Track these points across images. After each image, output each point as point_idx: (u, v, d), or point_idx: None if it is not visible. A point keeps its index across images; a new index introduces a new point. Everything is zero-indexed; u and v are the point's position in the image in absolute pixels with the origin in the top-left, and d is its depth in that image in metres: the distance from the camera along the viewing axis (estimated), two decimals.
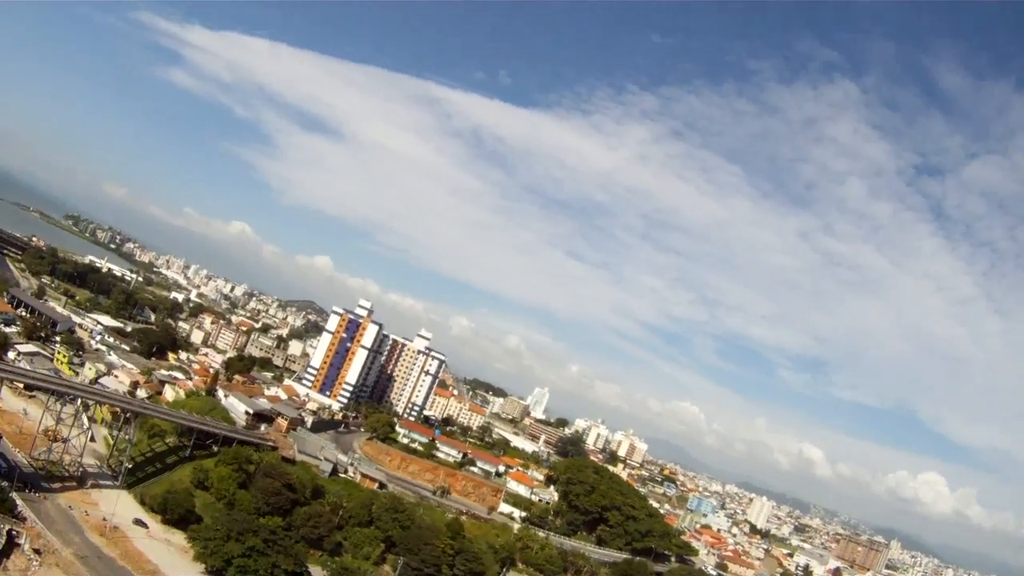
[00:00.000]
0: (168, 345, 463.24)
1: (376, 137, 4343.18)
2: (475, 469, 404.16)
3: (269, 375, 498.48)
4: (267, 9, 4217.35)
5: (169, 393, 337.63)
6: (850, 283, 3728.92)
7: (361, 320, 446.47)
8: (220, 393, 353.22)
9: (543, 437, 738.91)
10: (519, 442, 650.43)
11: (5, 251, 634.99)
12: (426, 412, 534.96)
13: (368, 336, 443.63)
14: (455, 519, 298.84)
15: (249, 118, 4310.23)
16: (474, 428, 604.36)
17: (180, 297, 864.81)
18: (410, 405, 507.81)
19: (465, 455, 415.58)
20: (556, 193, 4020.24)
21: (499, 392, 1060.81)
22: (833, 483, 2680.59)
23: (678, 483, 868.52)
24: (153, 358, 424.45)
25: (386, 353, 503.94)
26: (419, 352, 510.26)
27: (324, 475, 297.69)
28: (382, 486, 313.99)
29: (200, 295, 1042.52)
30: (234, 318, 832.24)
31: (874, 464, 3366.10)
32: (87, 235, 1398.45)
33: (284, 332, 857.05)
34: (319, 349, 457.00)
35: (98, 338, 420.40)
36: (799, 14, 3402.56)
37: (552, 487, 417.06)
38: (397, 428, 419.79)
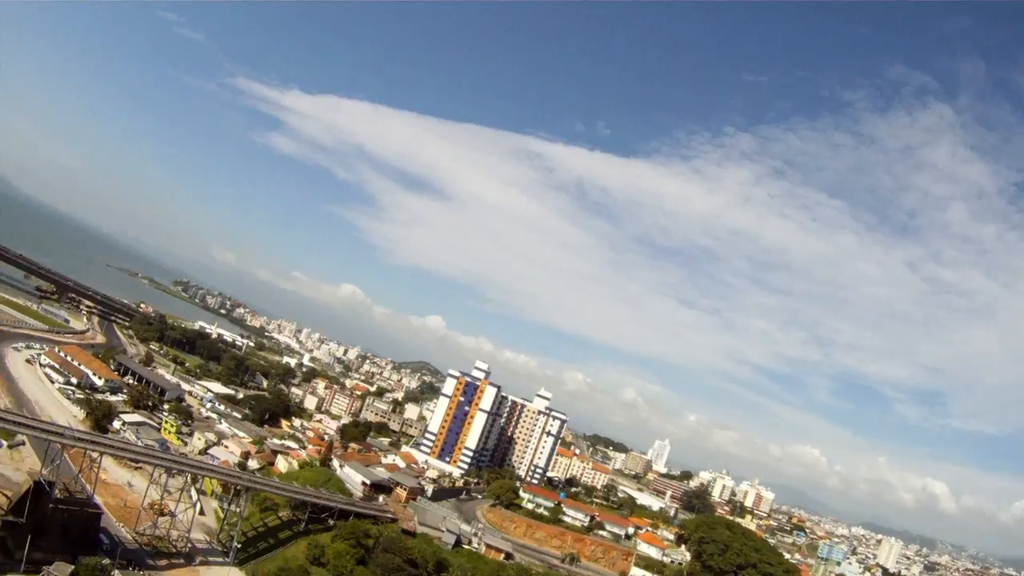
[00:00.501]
0: (281, 412, 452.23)
1: (479, 193, 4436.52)
2: (603, 532, 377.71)
3: (386, 440, 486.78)
4: (365, 72, 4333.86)
5: (282, 464, 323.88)
6: (960, 310, 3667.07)
7: (479, 383, 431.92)
8: (335, 463, 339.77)
9: (668, 492, 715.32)
10: (644, 499, 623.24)
11: (113, 318, 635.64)
12: (549, 473, 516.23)
13: (487, 399, 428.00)
14: None
15: (351, 180, 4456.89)
16: (598, 487, 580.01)
17: (292, 362, 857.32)
18: (532, 468, 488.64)
19: (592, 518, 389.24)
20: (663, 241, 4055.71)
21: (619, 447, 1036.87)
22: (958, 517, 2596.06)
23: (807, 531, 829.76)
24: (265, 426, 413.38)
25: (505, 415, 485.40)
26: (539, 412, 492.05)
27: (447, 547, 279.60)
28: (508, 556, 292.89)
29: (313, 359, 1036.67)
30: (348, 382, 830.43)
31: (999, 494, 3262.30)
32: (196, 301, 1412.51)
33: (400, 395, 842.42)
34: (436, 414, 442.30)
35: (208, 405, 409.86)
36: (887, 40, 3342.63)
37: (683, 547, 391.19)
38: (520, 493, 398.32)
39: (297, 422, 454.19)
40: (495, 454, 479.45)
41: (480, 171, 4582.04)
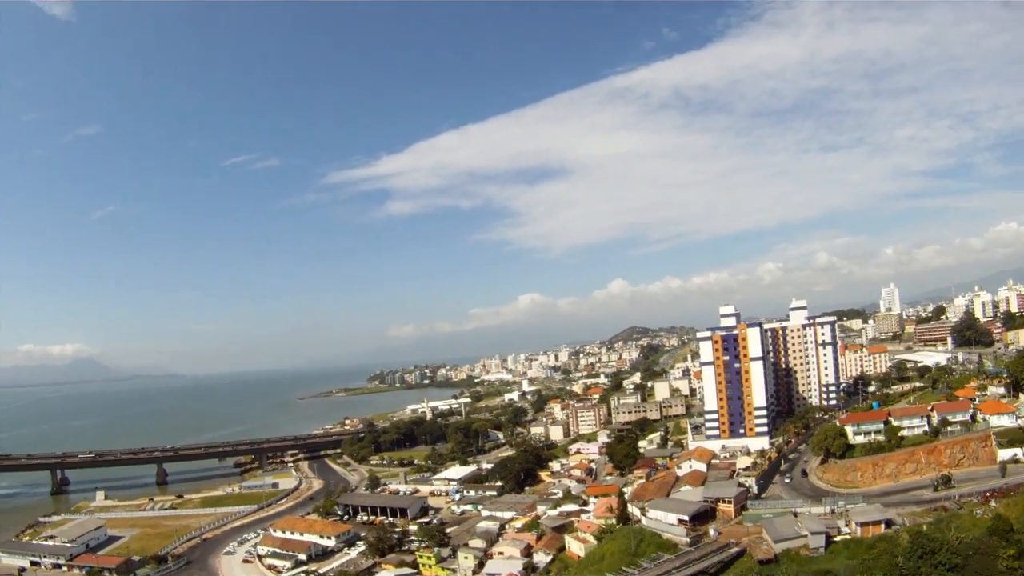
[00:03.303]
0: (534, 462, 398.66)
1: (595, 153, 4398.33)
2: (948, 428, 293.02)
3: (655, 439, 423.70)
4: (428, 110, 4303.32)
5: (574, 545, 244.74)
6: None
7: (735, 331, 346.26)
8: (634, 511, 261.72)
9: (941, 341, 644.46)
10: (927, 357, 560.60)
11: (322, 454, 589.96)
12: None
13: (753, 344, 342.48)
14: None
15: (478, 204, 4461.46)
16: (887, 372, 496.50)
17: (515, 395, 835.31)
18: (825, 391, 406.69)
19: (928, 419, 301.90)
20: (779, 103, 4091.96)
21: (853, 314, 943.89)
22: None
23: None
24: (525, 488, 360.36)
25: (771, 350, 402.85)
26: (803, 327, 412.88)
27: (819, 552, 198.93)
28: (888, 524, 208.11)
29: (531, 380, 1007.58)
30: (576, 387, 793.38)
31: None
32: (398, 385, 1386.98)
33: (626, 371, 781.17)
34: (707, 387, 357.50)
35: (457, 497, 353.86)
36: None
37: None
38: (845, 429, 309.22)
39: (556, 465, 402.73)
40: (779, 399, 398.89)
41: (584, 133, 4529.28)
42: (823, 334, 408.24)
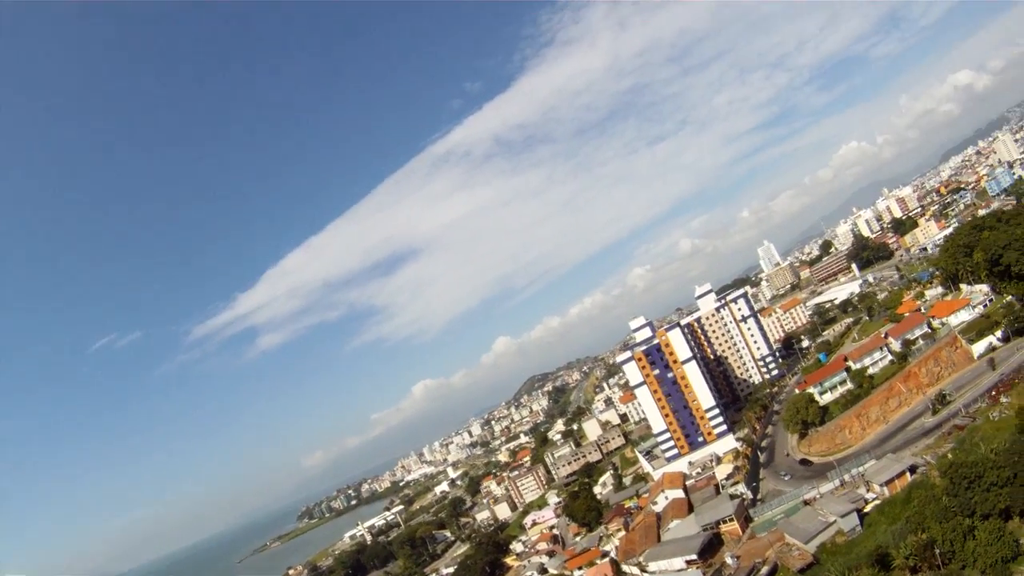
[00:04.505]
0: (493, 551, 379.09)
1: (438, 222, 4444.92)
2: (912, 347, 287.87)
3: (607, 480, 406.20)
4: (270, 231, 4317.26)
5: None
6: None
7: (656, 340, 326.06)
8: (630, 569, 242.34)
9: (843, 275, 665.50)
10: (841, 291, 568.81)
11: None
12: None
13: (680, 346, 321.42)
14: None
15: (343, 313, 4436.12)
16: (811, 324, 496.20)
17: (444, 486, 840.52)
18: (761, 365, 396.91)
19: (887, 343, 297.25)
20: (596, 114, 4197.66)
21: (740, 283, 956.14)
22: None
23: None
24: None
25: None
26: (716, 310, 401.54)
27: (858, 532, 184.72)
28: (912, 470, 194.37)
29: (455, 464, 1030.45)
30: (502, 456, 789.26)
31: None
32: (328, 515, 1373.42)
33: (543, 422, 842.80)
34: (648, 409, 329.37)
35: None
36: None
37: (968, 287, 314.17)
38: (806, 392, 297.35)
39: (517, 546, 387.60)
40: (721, 391, 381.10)
41: (421, 208, 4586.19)
42: (739, 309, 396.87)
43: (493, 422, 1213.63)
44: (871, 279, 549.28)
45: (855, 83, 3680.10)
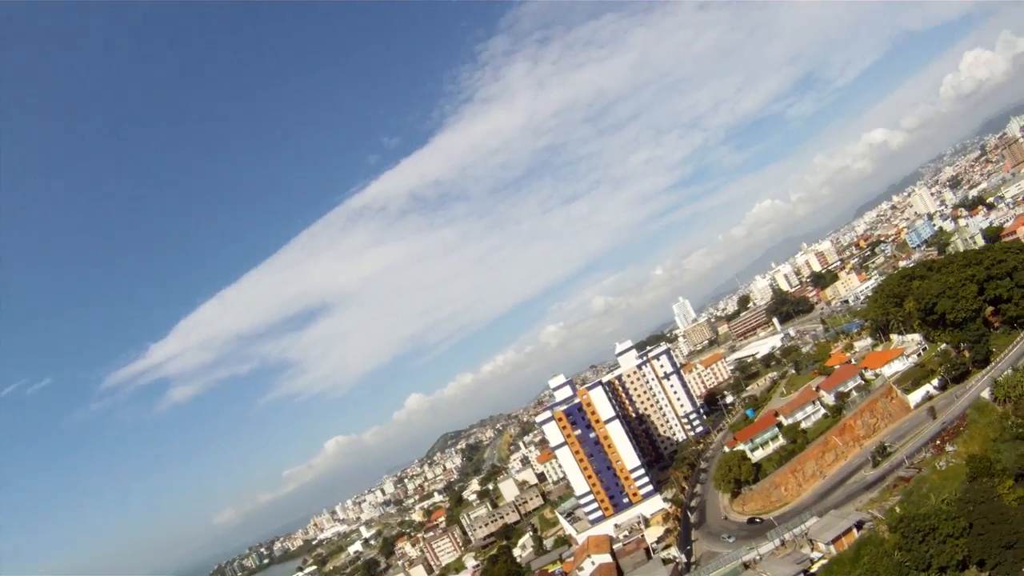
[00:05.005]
0: None
1: (355, 276, 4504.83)
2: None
3: (526, 542, 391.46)
4: (184, 280, 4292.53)
5: None
6: None
7: (577, 399, 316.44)
8: None
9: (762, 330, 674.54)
10: (762, 346, 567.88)
11: None
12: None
13: (602, 405, 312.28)
14: None
15: (255, 367, 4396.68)
16: (736, 378, 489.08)
17: (358, 545, 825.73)
18: (685, 422, 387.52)
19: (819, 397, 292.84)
20: (512, 172, 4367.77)
21: (656, 339, 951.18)
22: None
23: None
24: None
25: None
26: (638, 367, 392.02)
27: None
28: (859, 525, 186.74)
29: (368, 523, 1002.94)
30: (416, 515, 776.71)
31: None
32: (240, 574, 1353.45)
33: (457, 480, 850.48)
34: (569, 470, 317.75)
35: None
36: None
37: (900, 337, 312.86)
38: (736, 449, 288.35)
39: None
40: (644, 450, 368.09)
41: (336, 263, 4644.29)
42: (662, 366, 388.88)
43: (407, 480, 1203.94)
44: (792, 333, 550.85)
45: (770, 142, 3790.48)
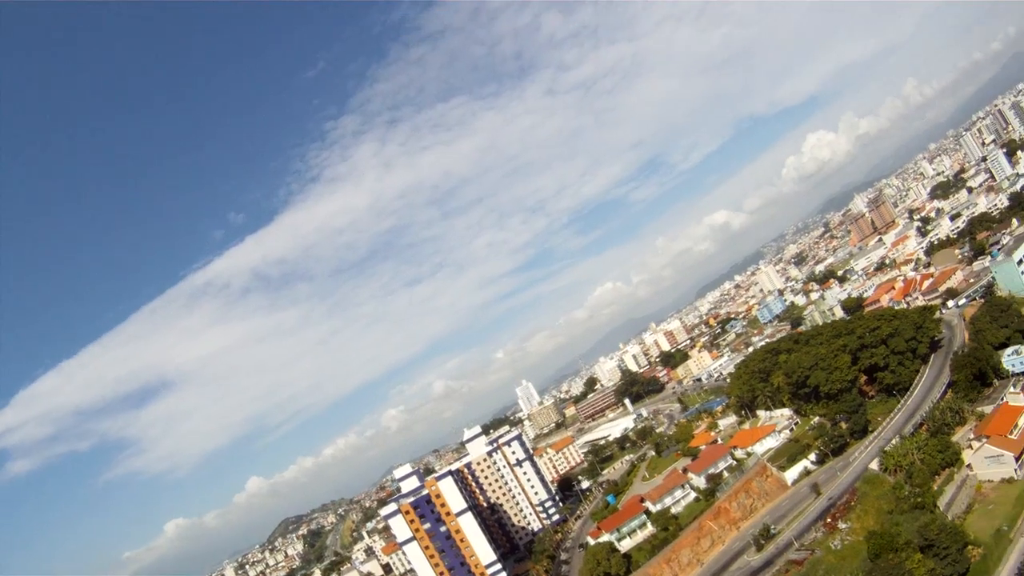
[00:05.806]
0: None
1: (195, 356, 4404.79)
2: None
3: None
4: (21, 349, 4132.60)
5: None
6: None
7: (425, 491, 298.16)
8: None
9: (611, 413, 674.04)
10: (615, 428, 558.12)
11: None
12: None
13: (452, 497, 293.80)
14: None
15: (94, 443, 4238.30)
16: (591, 459, 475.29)
17: None
18: (540, 510, 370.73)
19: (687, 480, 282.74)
20: (356, 254, 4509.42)
21: (500, 423, 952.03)
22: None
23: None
24: None
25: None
26: (488, 454, 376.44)
27: None
28: None
29: None
30: None
31: None
32: None
33: (299, 567, 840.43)
34: (419, 568, 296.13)
35: None
36: None
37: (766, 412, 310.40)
38: (602, 540, 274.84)
39: None
40: (498, 543, 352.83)
41: (175, 340, 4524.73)
42: (513, 452, 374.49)
43: (248, 566, 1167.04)
44: (645, 413, 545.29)
45: (613, 226, 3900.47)
